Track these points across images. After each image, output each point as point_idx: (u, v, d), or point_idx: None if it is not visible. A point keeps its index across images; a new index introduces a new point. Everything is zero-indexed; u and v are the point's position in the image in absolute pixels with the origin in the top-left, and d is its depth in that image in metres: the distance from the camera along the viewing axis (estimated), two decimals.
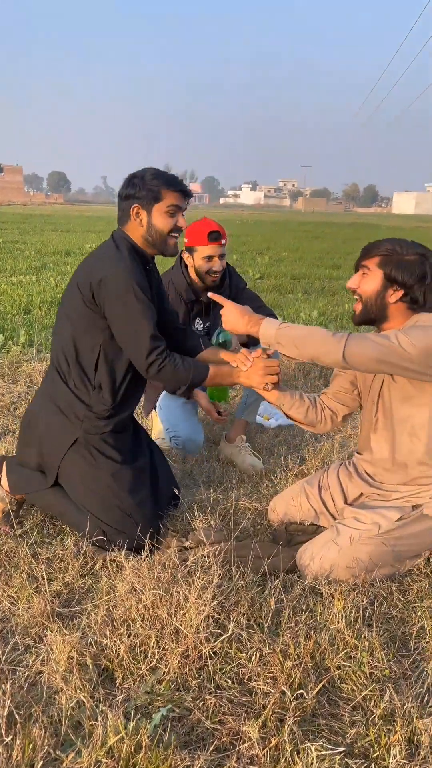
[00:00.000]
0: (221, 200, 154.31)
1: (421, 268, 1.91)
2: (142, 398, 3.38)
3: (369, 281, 1.95)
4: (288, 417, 2.32)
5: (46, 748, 1.35)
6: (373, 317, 2.00)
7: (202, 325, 3.13)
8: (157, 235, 2.12)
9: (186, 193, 2.14)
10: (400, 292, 1.93)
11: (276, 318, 3.11)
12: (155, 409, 3.23)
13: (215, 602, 1.70)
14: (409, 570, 2.09)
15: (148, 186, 2.07)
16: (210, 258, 2.93)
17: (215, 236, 2.89)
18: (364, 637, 1.71)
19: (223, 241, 2.92)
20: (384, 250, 1.93)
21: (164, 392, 3.15)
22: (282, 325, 1.98)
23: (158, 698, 1.51)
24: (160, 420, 3.15)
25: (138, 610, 1.71)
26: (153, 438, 3.14)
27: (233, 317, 2.08)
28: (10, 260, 10.62)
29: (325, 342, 1.88)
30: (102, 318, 2.08)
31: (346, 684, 1.58)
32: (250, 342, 3.09)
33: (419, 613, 1.87)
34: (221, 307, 3.12)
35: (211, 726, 1.45)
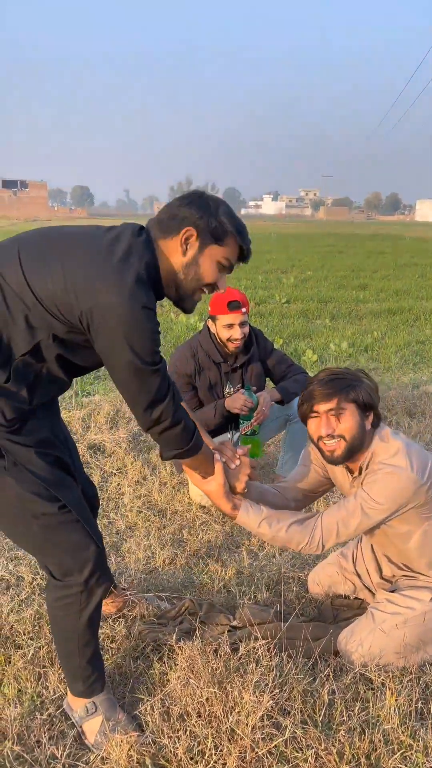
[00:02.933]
0: (243, 211, 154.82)
1: (373, 384, 1.97)
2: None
3: (347, 419, 1.90)
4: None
5: None
6: (357, 451, 1.95)
7: (231, 389, 3.20)
8: (192, 279, 1.65)
9: (246, 258, 1.72)
10: (371, 415, 1.96)
11: (305, 375, 3.17)
12: None
13: (270, 700, 1.72)
14: None
15: (219, 219, 1.61)
16: (230, 326, 3.05)
17: (235, 305, 3.02)
18: (420, 736, 1.71)
19: (243, 310, 3.04)
20: (345, 385, 1.91)
21: None
22: (261, 522, 1.95)
23: None
24: None
25: (193, 706, 1.74)
26: (191, 496, 3.19)
27: (215, 491, 1.93)
28: None
29: (301, 545, 1.95)
30: (80, 337, 1.55)
31: None
32: (285, 400, 3.14)
33: None
34: (249, 371, 3.24)
35: None
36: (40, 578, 2.47)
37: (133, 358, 1.48)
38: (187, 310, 1.75)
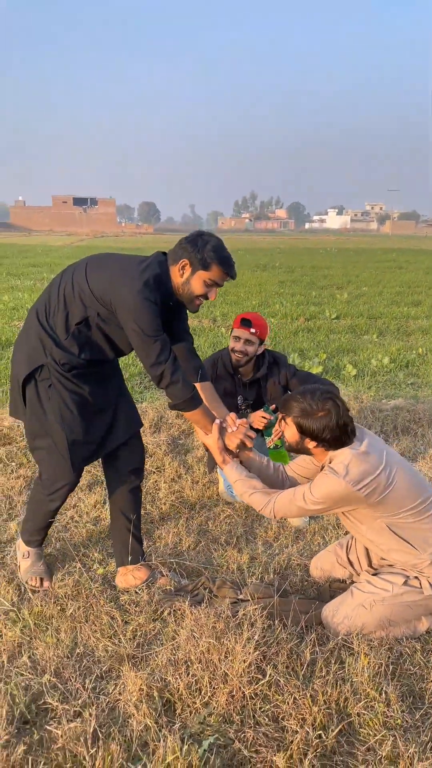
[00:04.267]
0: (306, 225, 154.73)
1: (330, 422, 2.26)
2: (206, 455, 3.84)
3: (287, 431, 2.37)
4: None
5: (121, 760, 1.77)
6: (298, 453, 2.44)
7: (242, 401, 3.60)
8: (186, 293, 2.40)
9: (231, 276, 2.43)
10: (314, 442, 2.30)
11: (329, 385, 3.50)
12: (217, 466, 3.65)
13: (257, 652, 2.08)
14: None
15: (205, 254, 2.34)
16: (237, 338, 3.55)
17: (245, 322, 3.51)
18: (384, 690, 2.03)
19: (252, 330, 3.48)
20: (298, 410, 2.30)
21: None
22: (237, 480, 2.53)
23: (208, 728, 1.90)
24: (219, 474, 3.59)
25: (195, 654, 2.11)
26: (220, 493, 3.57)
27: (211, 444, 2.58)
28: None
29: (259, 505, 2.44)
30: (113, 318, 2.35)
31: (363, 729, 1.91)
32: None
33: None
34: (262, 386, 3.65)
35: (249, 754, 1.82)
36: (82, 555, 2.91)
37: (137, 326, 2.27)
38: (192, 311, 2.53)
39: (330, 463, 2.30)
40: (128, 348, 2.49)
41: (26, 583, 2.67)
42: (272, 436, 3.36)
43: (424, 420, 4.83)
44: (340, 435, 2.27)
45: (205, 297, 2.43)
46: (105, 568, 2.79)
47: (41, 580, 2.67)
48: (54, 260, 21.98)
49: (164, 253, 2.45)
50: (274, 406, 3.49)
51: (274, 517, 2.41)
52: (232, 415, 2.64)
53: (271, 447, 3.38)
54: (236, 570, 2.81)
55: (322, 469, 2.35)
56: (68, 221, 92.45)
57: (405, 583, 2.33)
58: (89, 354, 2.45)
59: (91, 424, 2.54)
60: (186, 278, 2.39)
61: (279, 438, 3.38)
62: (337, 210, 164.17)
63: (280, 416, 2.42)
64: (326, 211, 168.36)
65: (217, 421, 2.59)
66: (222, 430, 2.60)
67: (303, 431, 2.31)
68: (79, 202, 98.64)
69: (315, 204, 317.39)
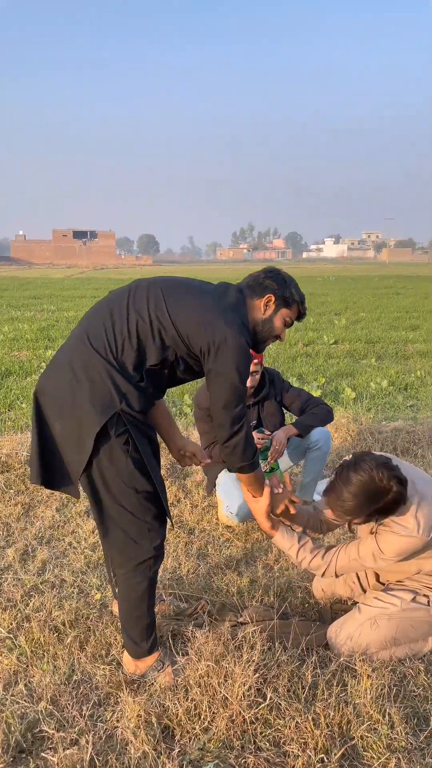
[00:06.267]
0: (304, 254, 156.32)
1: (399, 493, 2.13)
2: (205, 479, 3.81)
3: (362, 529, 2.37)
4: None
5: None
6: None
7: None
8: (266, 330, 2.23)
9: (302, 318, 2.34)
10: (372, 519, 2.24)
11: (323, 406, 3.49)
12: (215, 487, 3.62)
13: (257, 675, 2.04)
14: None
15: (291, 291, 2.23)
16: None
17: None
18: (387, 712, 1.98)
19: (255, 360, 3.40)
20: (360, 506, 2.15)
21: (223, 470, 3.55)
22: (291, 548, 2.42)
23: (208, 754, 1.85)
24: (218, 497, 3.56)
25: (194, 678, 2.07)
26: (219, 516, 3.54)
27: (259, 509, 2.43)
28: None
29: (320, 571, 2.37)
30: (193, 359, 2.10)
31: (367, 752, 1.86)
32: (302, 433, 3.48)
33: None
34: (265, 409, 3.63)
35: None
36: (80, 581, 2.88)
37: (236, 378, 2.04)
38: (258, 352, 2.35)
39: (397, 518, 2.20)
40: (185, 380, 2.24)
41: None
42: (268, 459, 3.34)
43: (424, 441, 4.82)
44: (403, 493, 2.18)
45: (279, 338, 2.30)
46: (103, 594, 2.75)
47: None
48: (54, 292, 22.18)
49: (237, 287, 2.23)
50: (268, 432, 3.47)
51: (336, 576, 2.39)
52: (276, 475, 2.59)
53: (267, 470, 3.36)
54: (236, 594, 2.77)
55: (385, 526, 2.25)
56: (68, 254, 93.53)
57: (413, 600, 2.29)
58: (159, 395, 2.21)
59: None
60: (269, 315, 2.23)
61: (275, 461, 3.37)
62: (334, 239, 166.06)
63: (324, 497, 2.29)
64: (323, 240, 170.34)
65: (267, 485, 2.42)
66: (269, 492, 2.42)
67: (374, 514, 2.18)
68: (79, 235, 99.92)
69: (312, 233, 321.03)
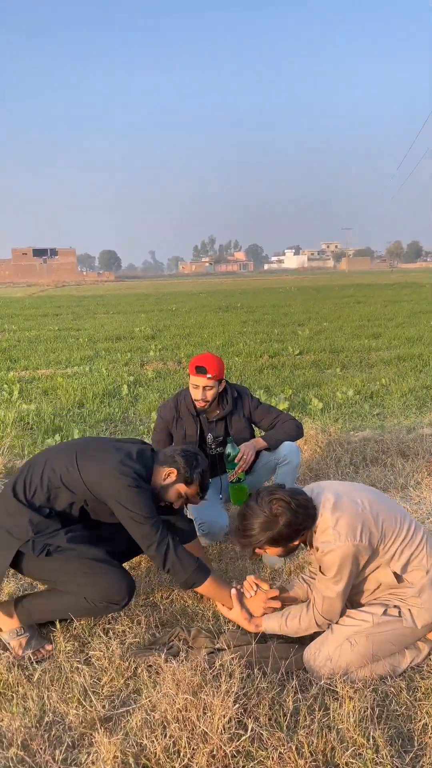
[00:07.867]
0: (265, 266, 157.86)
1: (290, 515, 2.21)
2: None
3: (272, 554, 2.36)
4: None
5: None
6: (292, 552, 2.43)
7: (212, 438, 3.50)
8: (160, 494, 2.63)
9: (205, 490, 2.75)
10: (295, 540, 2.29)
11: (291, 421, 3.45)
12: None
13: (237, 705, 1.97)
14: (420, 666, 2.30)
15: (195, 474, 2.64)
16: (195, 387, 3.36)
17: (200, 370, 3.32)
18: (371, 736, 1.93)
19: (208, 375, 3.31)
20: (259, 533, 2.24)
21: None
22: (281, 627, 2.41)
23: None
24: (189, 513, 3.48)
25: (171, 713, 1.99)
26: None
27: (235, 618, 2.51)
28: (65, 350, 11.39)
29: (313, 629, 2.36)
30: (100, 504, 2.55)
31: None
32: (271, 447, 3.43)
33: (425, 710, 2.08)
34: (227, 421, 3.55)
35: None
36: None
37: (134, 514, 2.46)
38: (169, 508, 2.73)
39: (319, 538, 2.23)
40: (107, 520, 2.63)
41: (30, 657, 2.47)
42: (236, 469, 3.29)
43: (392, 450, 4.83)
44: (305, 515, 2.23)
45: (171, 506, 2.68)
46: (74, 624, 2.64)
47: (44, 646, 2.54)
48: (15, 311, 21.84)
49: (151, 448, 2.76)
50: (235, 444, 3.41)
51: (330, 622, 2.33)
52: (250, 578, 2.58)
53: (233, 480, 3.30)
54: (212, 617, 2.69)
55: (318, 551, 2.26)
56: (29, 272, 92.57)
57: (384, 613, 2.26)
58: (69, 524, 2.58)
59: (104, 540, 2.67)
60: (167, 486, 2.63)
61: (243, 471, 3.32)
62: (294, 250, 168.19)
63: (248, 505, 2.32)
64: (284, 251, 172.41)
65: (233, 591, 2.52)
66: (241, 596, 2.52)
67: (280, 542, 2.26)
68: (39, 253, 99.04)
69: (272, 245, 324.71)
